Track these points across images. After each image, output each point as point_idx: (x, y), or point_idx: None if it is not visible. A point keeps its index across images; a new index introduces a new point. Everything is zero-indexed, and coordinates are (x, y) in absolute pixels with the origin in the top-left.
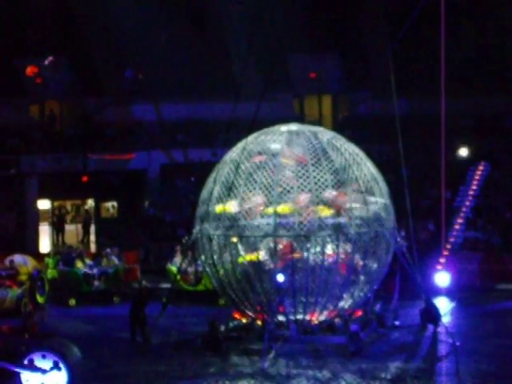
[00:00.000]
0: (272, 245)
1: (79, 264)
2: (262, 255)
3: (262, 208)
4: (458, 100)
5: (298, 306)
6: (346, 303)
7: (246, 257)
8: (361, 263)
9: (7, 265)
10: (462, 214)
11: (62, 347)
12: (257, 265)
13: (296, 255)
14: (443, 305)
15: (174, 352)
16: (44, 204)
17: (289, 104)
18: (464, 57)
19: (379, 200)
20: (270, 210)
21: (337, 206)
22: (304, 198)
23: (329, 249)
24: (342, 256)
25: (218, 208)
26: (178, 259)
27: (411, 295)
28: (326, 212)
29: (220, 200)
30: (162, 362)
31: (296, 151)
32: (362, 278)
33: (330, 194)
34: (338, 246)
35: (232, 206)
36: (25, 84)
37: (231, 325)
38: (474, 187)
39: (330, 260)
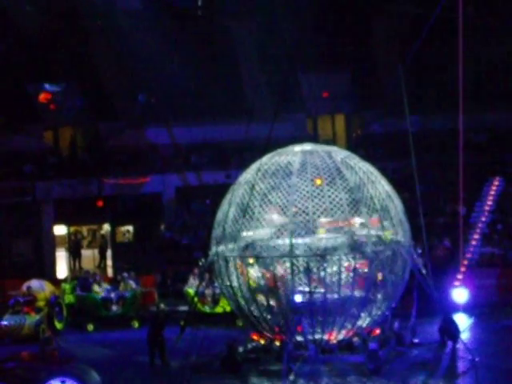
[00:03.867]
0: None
1: (96, 289)
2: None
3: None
4: (471, 115)
5: (316, 326)
6: (363, 322)
7: None
8: (380, 277)
9: (25, 291)
10: (478, 230)
11: (81, 372)
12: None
13: None
14: (462, 321)
15: (193, 374)
16: (60, 229)
17: (302, 124)
18: (477, 71)
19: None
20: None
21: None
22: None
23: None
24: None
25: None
26: (193, 282)
27: (429, 312)
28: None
29: (235, 222)
30: None
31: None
32: (379, 296)
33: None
34: (354, 265)
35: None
36: (38, 110)
37: (249, 346)
38: (490, 202)
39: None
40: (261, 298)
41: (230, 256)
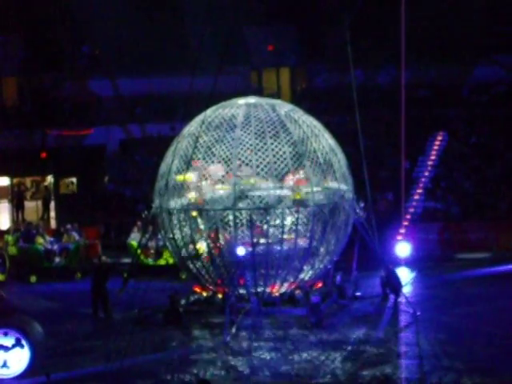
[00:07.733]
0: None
1: (40, 240)
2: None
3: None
4: (414, 70)
5: (258, 279)
6: (306, 275)
7: None
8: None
9: None
10: (421, 185)
11: (24, 324)
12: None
13: None
14: (404, 275)
15: (136, 326)
16: (3, 181)
17: (247, 77)
18: (420, 27)
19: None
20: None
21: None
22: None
23: (288, 221)
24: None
25: (179, 177)
26: (136, 234)
27: (371, 266)
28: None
29: (179, 174)
30: (124, 337)
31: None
32: (322, 249)
33: (291, 179)
34: (297, 219)
35: (192, 176)
36: None
37: (192, 299)
38: (433, 157)
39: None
40: (203, 250)
41: (174, 209)
